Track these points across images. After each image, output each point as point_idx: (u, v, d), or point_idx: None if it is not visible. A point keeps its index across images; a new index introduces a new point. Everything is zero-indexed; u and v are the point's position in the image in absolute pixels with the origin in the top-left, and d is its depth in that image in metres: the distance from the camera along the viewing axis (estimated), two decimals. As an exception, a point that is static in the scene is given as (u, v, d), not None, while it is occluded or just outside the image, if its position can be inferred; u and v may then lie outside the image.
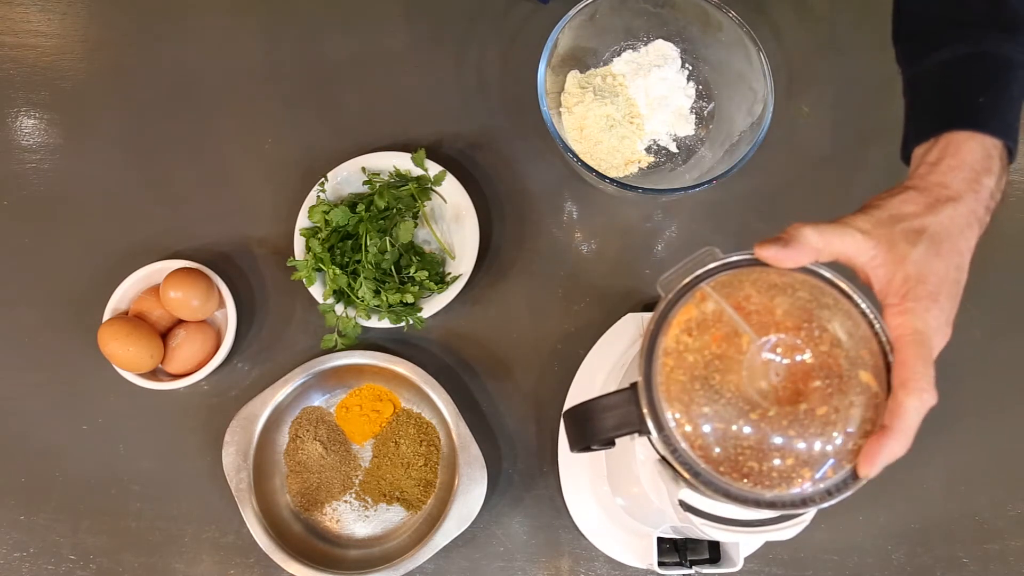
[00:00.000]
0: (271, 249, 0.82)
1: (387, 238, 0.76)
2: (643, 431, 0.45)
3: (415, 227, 0.80)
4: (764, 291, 0.45)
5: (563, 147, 0.74)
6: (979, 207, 0.47)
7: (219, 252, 0.82)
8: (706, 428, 0.43)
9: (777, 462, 0.43)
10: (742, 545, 0.65)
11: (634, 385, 0.46)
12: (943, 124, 0.50)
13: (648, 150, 0.84)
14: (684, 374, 0.44)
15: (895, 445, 0.42)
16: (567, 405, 0.74)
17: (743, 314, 0.45)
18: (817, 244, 0.45)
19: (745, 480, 0.43)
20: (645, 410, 0.45)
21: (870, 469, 0.42)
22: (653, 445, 0.48)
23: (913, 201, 0.47)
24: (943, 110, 0.51)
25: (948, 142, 0.49)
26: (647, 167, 0.83)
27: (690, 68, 0.84)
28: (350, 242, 0.77)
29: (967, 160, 0.48)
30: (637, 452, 0.56)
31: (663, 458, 0.47)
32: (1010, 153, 0.50)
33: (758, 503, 0.43)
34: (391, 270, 0.77)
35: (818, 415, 0.43)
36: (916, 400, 0.42)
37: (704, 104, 0.84)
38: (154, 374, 0.76)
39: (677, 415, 0.44)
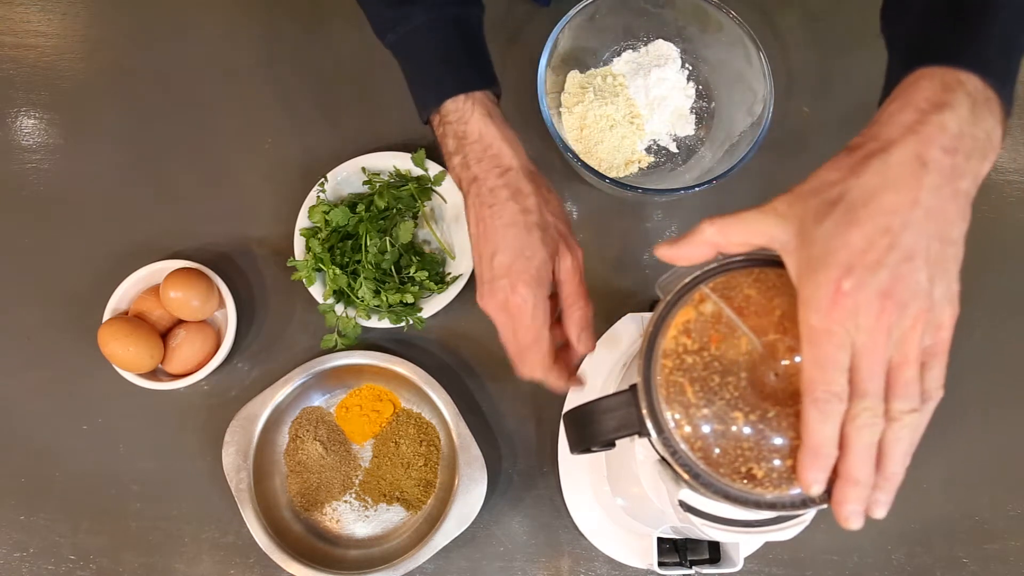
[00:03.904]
0: (271, 249, 0.82)
1: (387, 238, 0.76)
2: (643, 433, 0.45)
3: (415, 227, 0.80)
4: (763, 292, 0.45)
5: (563, 147, 0.74)
6: (928, 148, 0.39)
7: (219, 252, 0.82)
8: (705, 429, 0.43)
9: (777, 463, 0.43)
10: (742, 545, 0.65)
11: (634, 387, 0.46)
12: (905, 70, 0.43)
13: (648, 150, 0.84)
14: (683, 375, 0.44)
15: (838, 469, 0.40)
16: (567, 406, 0.74)
17: (742, 315, 0.44)
18: (714, 238, 0.44)
19: (745, 481, 0.43)
20: (644, 412, 0.44)
21: (854, 522, 0.42)
22: (653, 446, 0.48)
23: (837, 166, 0.41)
24: (908, 56, 0.44)
25: (903, 88, 0.42)
26: (647, 167, 0.83)
27: (690, 68, 0.84)
28: (350, 242, 0.77)
29: (912, 100, 0.41)
30: (637, 453, 0.55)
31: (663, 459, 0.47)
32: (999, 95, 0.42)
33: (758, 504, 0.43)
34: (391, 270, 0.77)
35: (818, 416, 0.43)
36: (814, 410, 0.39)
37: (704, 104, 0.84)
38: (154, 374, 0.77)
39: (676, 416, 0.44)
